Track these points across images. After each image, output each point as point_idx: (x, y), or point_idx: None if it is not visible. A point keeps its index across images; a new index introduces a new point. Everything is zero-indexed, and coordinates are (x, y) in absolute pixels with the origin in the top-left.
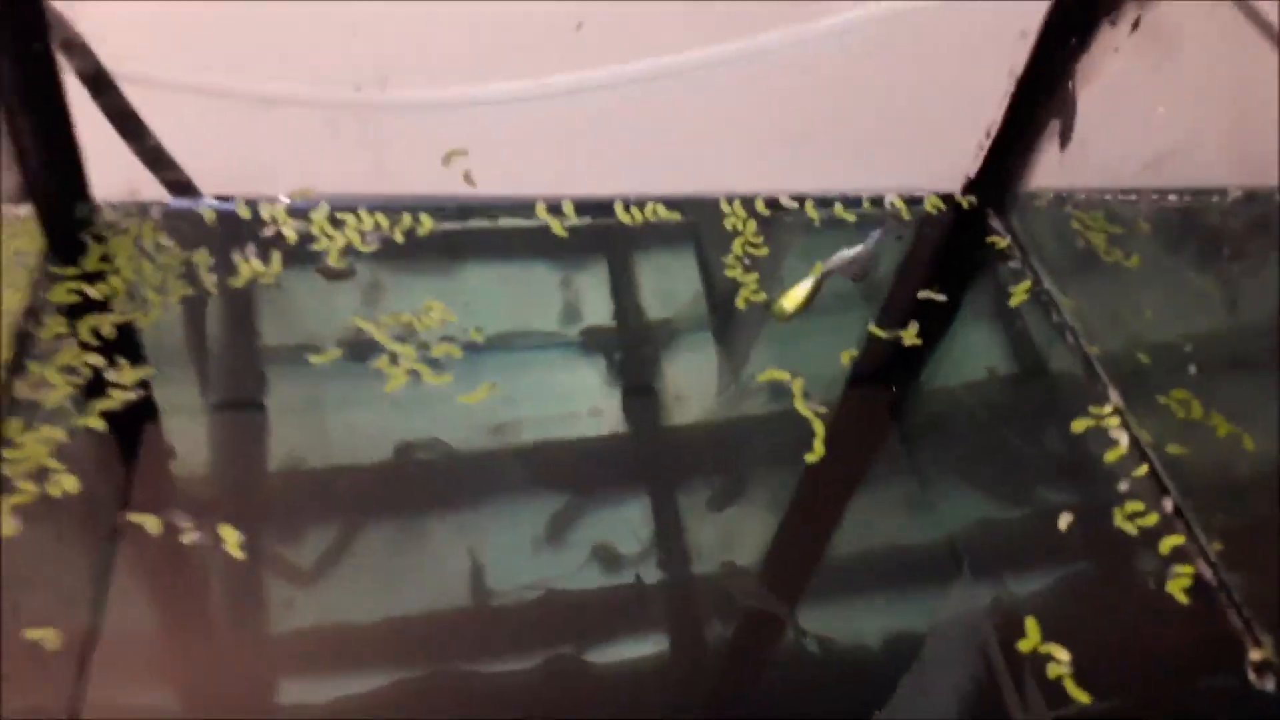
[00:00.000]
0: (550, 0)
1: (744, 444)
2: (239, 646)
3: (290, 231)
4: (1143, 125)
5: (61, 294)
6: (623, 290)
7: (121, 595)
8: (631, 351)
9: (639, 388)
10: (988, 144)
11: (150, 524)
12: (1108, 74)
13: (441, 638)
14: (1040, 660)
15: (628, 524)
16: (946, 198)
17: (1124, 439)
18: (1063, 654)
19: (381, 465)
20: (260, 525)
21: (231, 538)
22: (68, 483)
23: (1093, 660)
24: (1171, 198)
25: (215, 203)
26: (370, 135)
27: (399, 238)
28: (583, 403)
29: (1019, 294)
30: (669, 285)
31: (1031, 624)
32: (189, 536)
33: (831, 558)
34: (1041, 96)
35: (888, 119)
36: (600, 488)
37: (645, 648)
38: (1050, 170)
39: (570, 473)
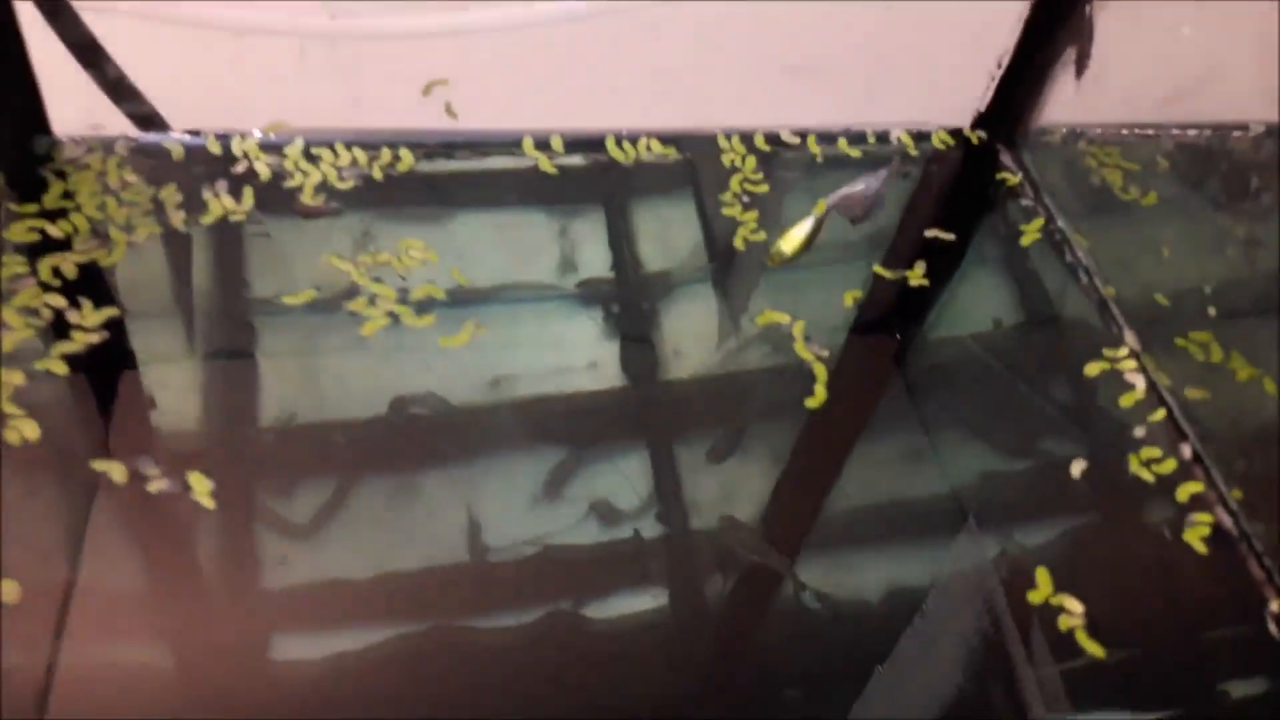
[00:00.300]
0: None
1: (745, 395)
2: (216, 600)
3: (263, 167)
4: (1163, 55)
5: (20, 232)
6: (620, 237)
7: (92, 546)
8: (629, 302)
9: (637, 339)
10: (999, 75)
11: (116, 472)
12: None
13: (438, 594)
14: (1052, 612)
15: (626, 478)
16: (955, 133)
17: (1140, 383)
18: (1075, 606)
19: (371, 418)
20: (232, 474)
21: (201, 486)
22: (27, 429)
23: (1106, 612)
24: (1191, 133)
25: (184, 137)
26: (346, 66)
27: (378, 174)
28: (580, 356)
29: (1031, 233)
30: (667, 231)
31: (1043, 575)
32: (157, 485)
33: (834, 510)
34: (1057, 22)
35: (894, 50)
36: (598, 442)
37: (644, 603)
38: (1064, 103)
39: (567, 427)
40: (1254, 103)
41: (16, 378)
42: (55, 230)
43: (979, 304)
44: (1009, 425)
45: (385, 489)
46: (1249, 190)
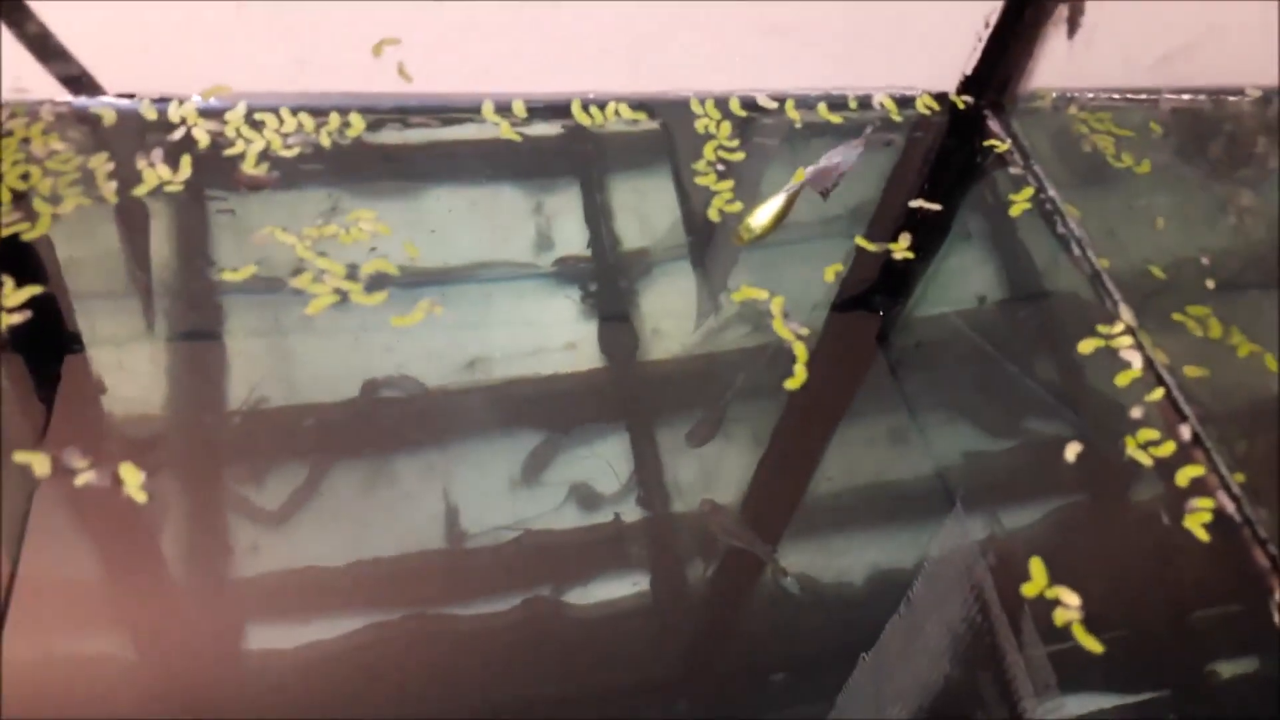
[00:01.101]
0: None
1: (725, 376)
2: (176, 590)
3: (202, 134)
4: (1157, 17)
5: None
6: (594, 211)
7: (34, 537)
8: (606, 280)
9: (615, 319)
10: (986, 35)
11: (38, 464)
12: None
13: (413, 582)
14: (1047, 605)
15: (606, 461)
16: (940, 97)
17: (1137, 361)
18: (1072, 599)
19: (345, 401)
20: (166, 461)
21: (134, 479)
22: None
23: (1103, 605)
24: (1186, 98)
25: (117, 101)
26: (292, 25)
27: (326, 141)
28: (557, 336)
29: (1020, 203)
30: (643, 203)
31: (1038, 565)
32: (84, 478)
33: (816, 493)
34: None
35: (876, 9)
36: (577, 424)
37: (624, 588)
38: (1054, 67)
39: (545, 409)
40: (1251, 66)
41: None
42: None
43: (966, 278)
44: (998, 405)
45: (358, 473)
46: (1247, 156)
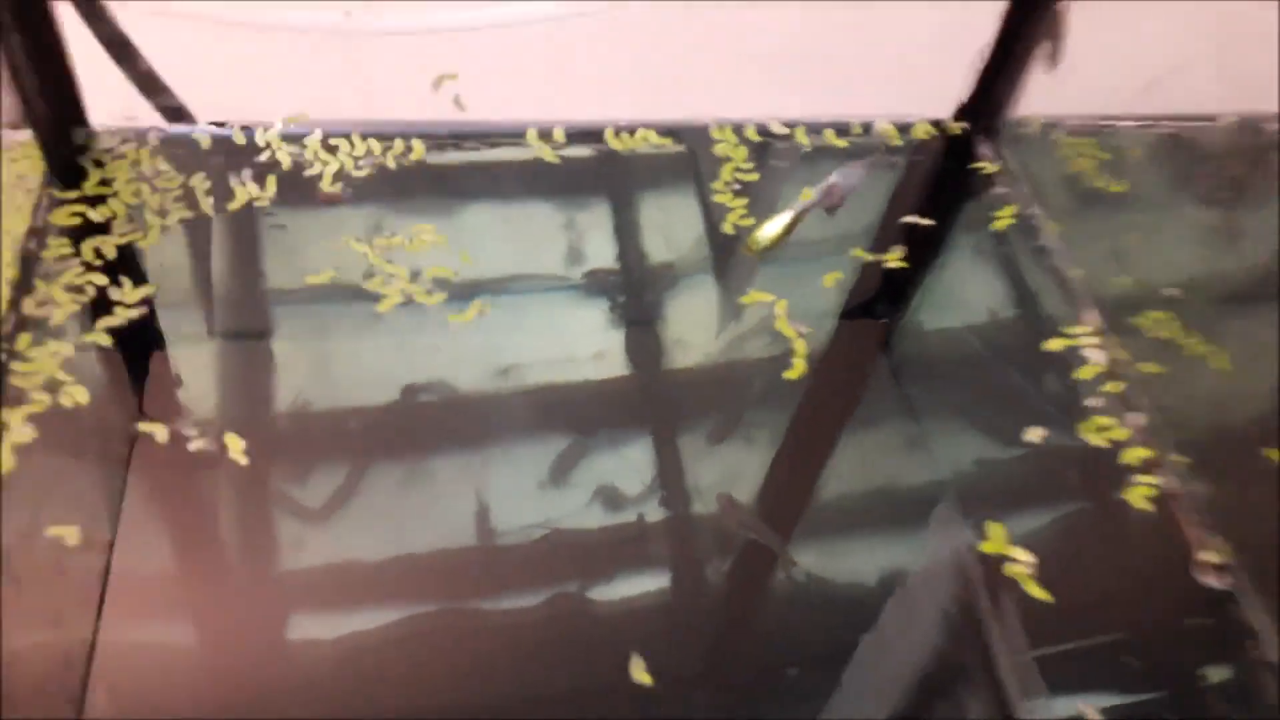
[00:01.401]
0: None
1: (743, 384)
2: (237, 576)
3: (285, 157)
4: (1134, 49)
5: (64, 217)
6: (623, 228)
7: (135, 504)
8: (633, 292)
9: (641, 328)
10: (980, 68)
11: (159, 432)
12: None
13: (448, 575)
14: (1001, 562)
15: (630, 464)
16: (937, 124)
17: (1100, 358)
18: (1026, 556)
19: (387, 404)
20: (261, 444)
21: (236, 445)
22: (78, 394)
23: (1055, 563)
24: (1164, 124)
25: (211, 129)
26: (362, 61)
27: (391, 163)
28: (586, 345)
29: (1004, 218)
30: (669, 221)
31: (997, 529)
32: (196, 444)
33: (826, 493)
34: (1032, 17)
35: (880, 43)
36: (604, 429)
37: (647, 584)
38: (1040, 97)
39: (574, 414)
40: (1221, 95)
41: (66, 349)
42: (95, 215)
43: (956, 287)
44: (977, 390)
45: (397, 473)
46: (1216, 178)
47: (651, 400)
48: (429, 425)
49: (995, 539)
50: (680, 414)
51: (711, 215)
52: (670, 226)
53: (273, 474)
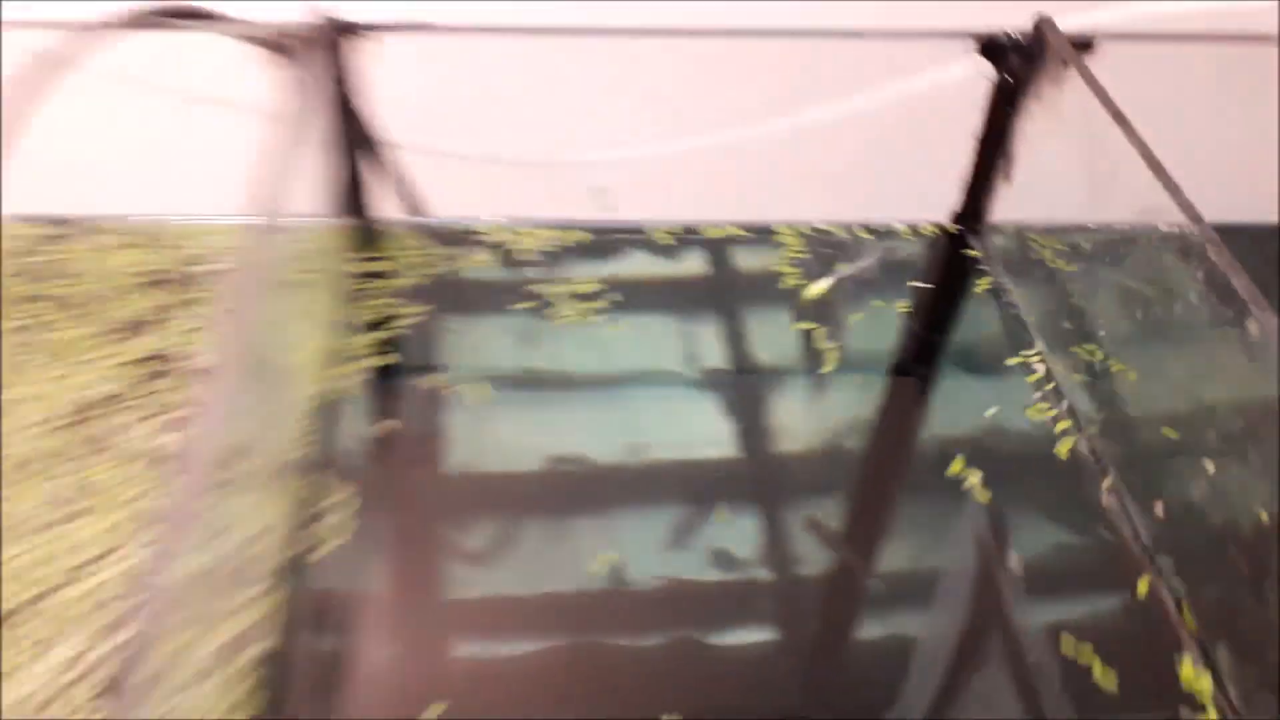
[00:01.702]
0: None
1: (839, 470)
2: (419, 593)
3: (495, 239)
4: (1079, 172)
5: (363, 273)
6: (730, 331)
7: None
8: (740, 384)
9: (749, 420)
10: (966, 185)
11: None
12: (1043, 133)
13: (586, 616)
14: (959, 479)
15: (742, 533)
16: (939, 226)
17: (1042, 369)
18: (977, 474)
19: (537, 471)
20: (429, 502)
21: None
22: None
23: (999, 477)
24: (1115, 227)
25: (445, 219)
26: (556, 179)
27: (556, 248)
28: (704, 432)
29: (982, 285)
30: (765, 328)
31: (959, 460)
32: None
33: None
34: (995, 150)
35: (897, 166)
36: (718, 502)
37: (756, 634)
38: (1010, 206)
39: (692, 489)
40: (1155, 204)
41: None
42: (378, 272)
43: (941, 326)
44: (958, 381)
45: (543, 528)
46: (1146, 266)
47: (758, 479)
48: (570, 490)
49: (956, 466)
50: (786, 494)
51: (809, 336)
52: (767, 331)
53: (442, 524)
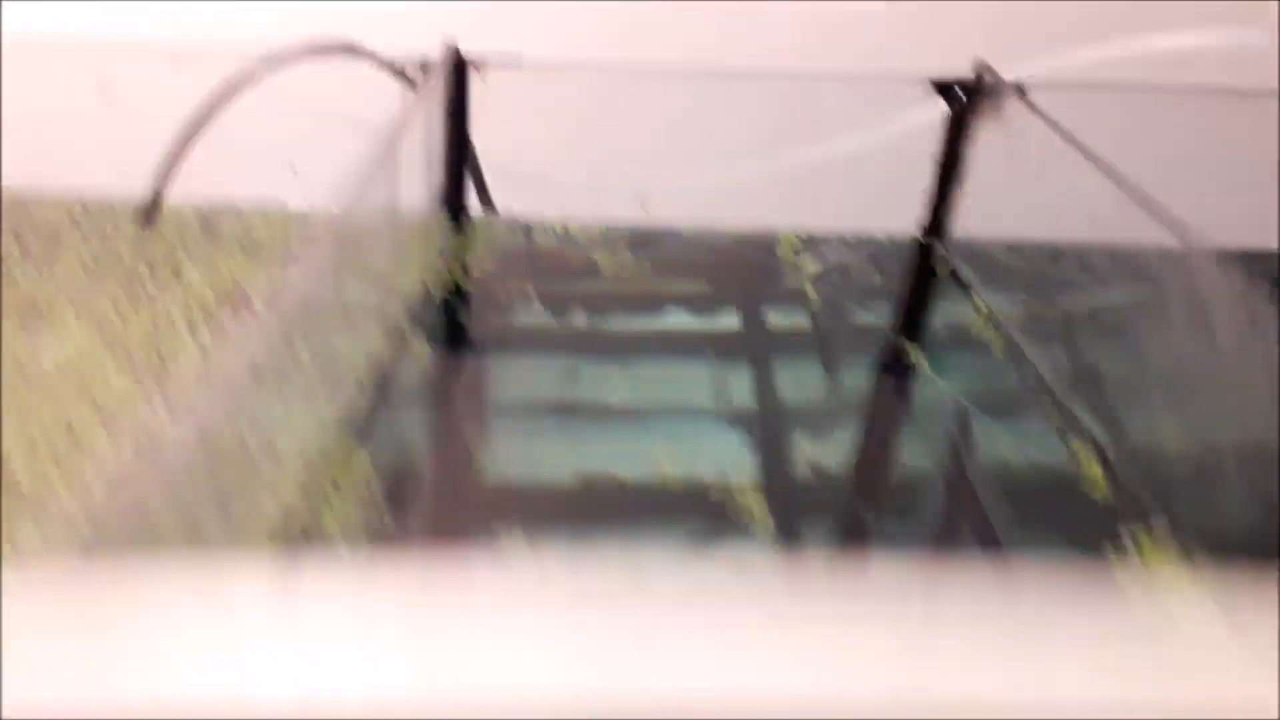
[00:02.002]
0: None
1: (867, 499)
2: None
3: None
4: (1028, 195)
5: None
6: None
7: None
8: (768, 426)
9: (776, 457)
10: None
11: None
12: (997, 160)
13: None
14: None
15: (750, 544)
16: (913, 236)
17: (998, 341)
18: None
19: (566, 486)
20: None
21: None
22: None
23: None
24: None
25: (507, 217)
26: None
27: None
28: (727, 467)
29: (945, 278)
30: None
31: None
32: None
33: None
34: (951, 174)
35: (880, 189)
36: (735, 518)
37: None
38: (965, 222)
39: (715, 517)
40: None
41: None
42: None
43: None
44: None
45: (570, 536)
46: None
47: (784, 513)
48: (598, 504)
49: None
50: (797, 513)
51: (839, 377)
52: (803, 378)
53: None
